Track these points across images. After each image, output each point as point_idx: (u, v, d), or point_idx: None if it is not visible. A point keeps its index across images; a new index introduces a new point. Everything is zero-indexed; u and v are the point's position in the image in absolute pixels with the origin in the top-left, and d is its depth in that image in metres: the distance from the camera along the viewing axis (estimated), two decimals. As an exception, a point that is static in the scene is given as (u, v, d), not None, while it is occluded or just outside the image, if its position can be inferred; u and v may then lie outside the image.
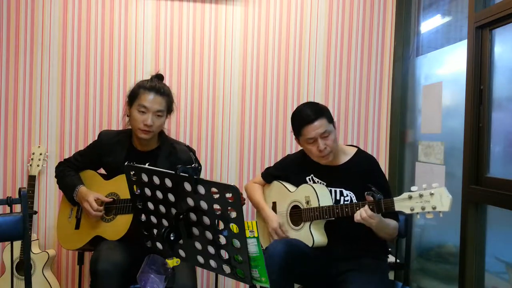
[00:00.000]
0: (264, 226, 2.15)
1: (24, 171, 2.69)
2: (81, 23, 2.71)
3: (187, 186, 1.28)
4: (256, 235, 1.32)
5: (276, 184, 2.20)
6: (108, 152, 2.10)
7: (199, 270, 2.75)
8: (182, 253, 1.42)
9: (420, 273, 2.73)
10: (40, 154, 2.61)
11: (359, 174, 1.96)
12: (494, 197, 1.96)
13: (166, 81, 2.82)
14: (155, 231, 1.46)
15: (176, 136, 2.76)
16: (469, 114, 2.12)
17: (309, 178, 2.06)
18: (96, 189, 2.08)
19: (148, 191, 1.41)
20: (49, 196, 2.72)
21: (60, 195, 2.70)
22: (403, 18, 2.95)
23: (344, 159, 2.03)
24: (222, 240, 1.28)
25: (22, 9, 2.65)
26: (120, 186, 2.03)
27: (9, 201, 1.77)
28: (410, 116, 2.90)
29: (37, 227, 2.71)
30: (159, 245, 1.46)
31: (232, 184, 1.20)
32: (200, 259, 1.37)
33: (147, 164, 1.91)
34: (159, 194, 1.38)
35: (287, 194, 2.10)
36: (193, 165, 1.28)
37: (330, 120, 1.97)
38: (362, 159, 2.04)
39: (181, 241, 1.37)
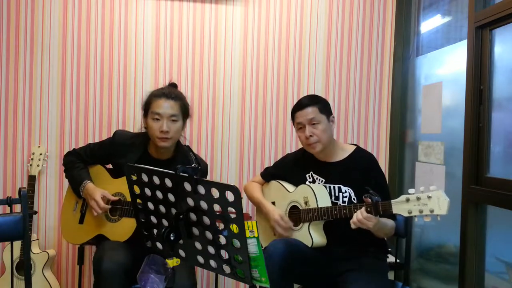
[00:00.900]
0: (265, 224, 2.16)
1: (24, 171, 2.69)
2: (81, 23, 2.72)
3: (187, 186, 1.28)
4: (256, 235, 1.32)
5: (275, 184, 2.20)
6: (120, 153, 2.05)
7: (199, 270, 2.76)
8: (182, 253, 1.42)
9: (420, 273, 2.73)
10: (40, 154, 2.61)
11: (357, 171, 1.97)
12: (494, 197, 1.96)
13: (166, 81, 2.82)
14: (155, 231, 1.47)
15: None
16: (469, 114, 2.12)
17: (308, 175, 2.07)
18: (103, 185, 2.06)
19: (148, 191, 1.41)
20: (49, 196, 2.72)
21: (60, 195, 2.72)
22: (403, 18, 2.95)
23: (342, 155, 2.04)
24: (222, 240, 1.28)
25: (22, 9, 2.65)
26: (127, 187, 2.02)
27: (9, 201, 1.77)
28: (410, 116, 2.91)
29: (37, 227, 2.71)
30: (159, 245, 1.46)
31: (232, 184, 1.20)
32: (200, 259, 1.37)
33: None
34: (159, 194, 1.38)
35: (286, 194, 2.10)
36: (193, 165, 1.28)
37: (325, 112, 1.99)
38: (361, 156, 2.05)
39: (181, 241, 1.37)
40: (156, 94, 2.03)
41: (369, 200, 1.71)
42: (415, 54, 2.90)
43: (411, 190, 1.66)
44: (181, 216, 1.34)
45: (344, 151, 2.06)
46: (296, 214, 2.02)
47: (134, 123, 2.75)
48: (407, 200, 1.66)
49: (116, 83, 2.76)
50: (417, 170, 2.71)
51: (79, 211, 2.13)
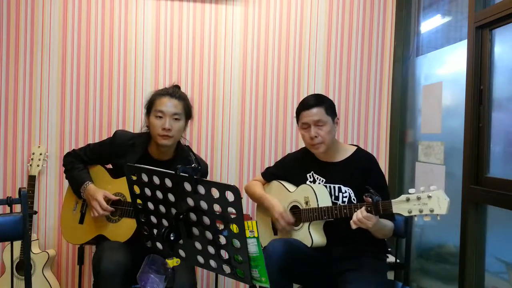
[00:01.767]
0: (266, 223, 2.16)
1: (24, 171, 2.69)
2: (81, 23, 2.72)
3: (187, 186, 1.28)
4: (256, 235, 1.32)
5: (275, 184, 2.21)
6: (120, 154, 2.05)
7: (199, 270, 2.76)
8: (182, 253, 1.42)
9: (420, 273, 2.73)
10: (40, 154, 2.61)
11: (357, 171, 1.98)
12: (494, 197, 1.96)
13: (166, 81, 2.82)
14: (155, 231, 1.47)
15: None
16: (469, 114, 2.12)
17: (309, 175, 2.07)
18: (103, 186, 2.07)
19: (148, 191, 1.41)
20: (49, 196, 2.72)
21: (60, 195, 2.72)
22: (403, 18, 2.95)
23: (343, 156, 2.05)
24: (222, 240, 1.28)
25: (22, 9, 2.65)
26: (127, 187, 2.02)
27: (9, 201, 1.77)
28: (410, 116, 2.91)
29: (37, 227, 2.71)
30: (159, 245, 1.46)
31: (232, 184, 1.20)
32: (200, 259, 1.37)
33: None
34: (159, 194, 1.38)
35: (287, 194, 2.10)
36: (193, 165, 1.28)
37: (330, 113, 1.99)
38: (362, 156, 2.05)
39: (181, 241, 1.37)
40: (160, 93, 2.05)
41: (370, 199, 1.72)
42: (415, 54, 2.90)
43: (411, 190, 1.67)
44: (181, 216, 1.34)
45: (345, 152, 2.06)
46: (297, 214, 2.03)
47: (134, 123, 2.75)
48: (408, 199, 1.66)
49: (116, 83, 2.76)
50: (417, 170, 2.71)
51: (79, 211, 2.13)
